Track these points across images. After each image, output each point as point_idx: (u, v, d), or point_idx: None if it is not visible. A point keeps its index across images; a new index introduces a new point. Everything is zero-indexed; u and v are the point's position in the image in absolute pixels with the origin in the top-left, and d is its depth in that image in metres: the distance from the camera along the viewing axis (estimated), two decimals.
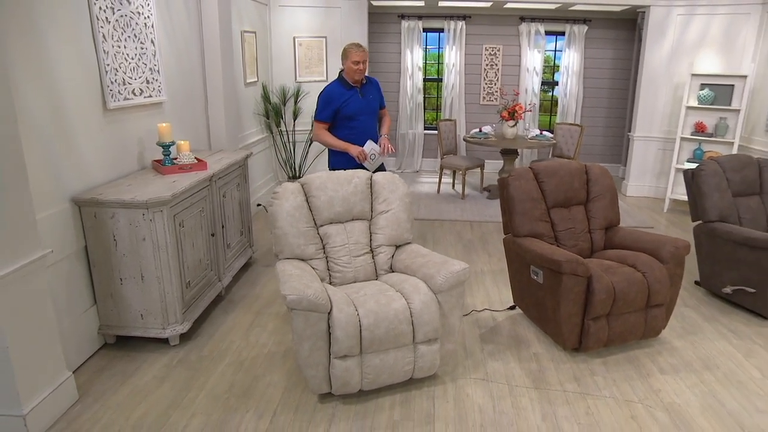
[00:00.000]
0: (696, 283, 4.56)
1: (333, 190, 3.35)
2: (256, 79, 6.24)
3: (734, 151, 6.44)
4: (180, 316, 3.39)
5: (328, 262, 3.32)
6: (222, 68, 4.81)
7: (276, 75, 6.89)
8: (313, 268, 3.21)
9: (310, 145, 6.90)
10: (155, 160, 3.87)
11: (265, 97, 6.50)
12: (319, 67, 7.00)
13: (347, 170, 3.47)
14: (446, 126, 7.40)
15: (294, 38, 6.84)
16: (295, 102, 6.81)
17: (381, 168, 4.26)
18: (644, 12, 7.23)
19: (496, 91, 8.52)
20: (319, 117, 4.10)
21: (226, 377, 3.14)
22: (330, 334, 2.76)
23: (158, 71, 3.95)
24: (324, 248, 3.33)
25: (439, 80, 8.77)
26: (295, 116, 6.78)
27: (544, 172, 3.69)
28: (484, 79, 8.53)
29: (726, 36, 6.83)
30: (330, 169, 4.17)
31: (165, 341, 3.44)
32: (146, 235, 3.17)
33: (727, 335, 3.74)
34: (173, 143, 3.80)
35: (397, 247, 3.42)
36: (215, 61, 4.77)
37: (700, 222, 4.36)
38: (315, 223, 3.33)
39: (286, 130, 6.83)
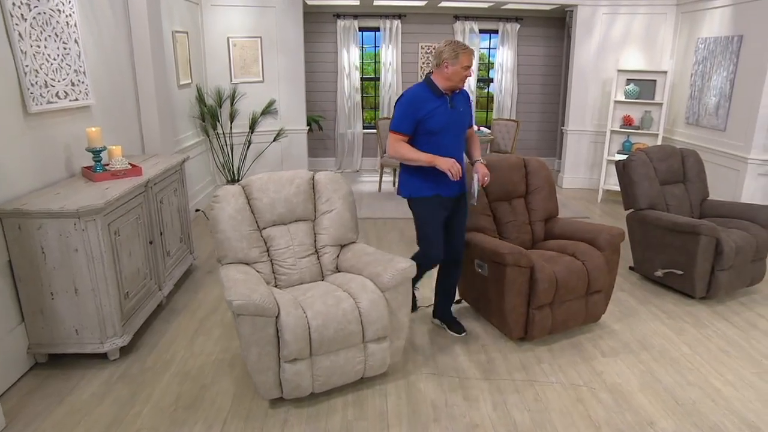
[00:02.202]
0: (630, 268, 4.78)
1: (275, 192, 3.29)
2: (189, 81, 6.05)
3: (659, 142, 6.80)
4: (119, 329, 3.23)
5: (272, 264, 3.26)
6: (153, 70, 4.63)
7: (211, 77, 6.71)
8: (258, 272, 3.14)
9: (248, 147, 6.76)
10: (85, 167, 3.68)
11: (200, 100, 6.31)
12: (255, 67, 6.86)
13: (289, 171, 3.41)
14: (385, 125, 7.42)
15: (228, 38, 6.67)
16: (232, 104, 6.65)
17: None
18: (572, 11, 7.51)
19: None
20: (398, 127, 3.24)
21: (171, 389, 3.02)
22: (278, 338, 2.71)
23: (84, 73, 3.75)
24: (268, 251, 3.26)
25: (377, 79, 8.79)
26: (232, 118, 6.62)
27: None
28: (421, 77, 8.59)
29: (647, 34, 7.20)
30: (405, 196, 3.41)
31: (104, 356, 3.27)
32: (79, 245, 3.01)
33: (660, 316, 3.93)
34: (104, 148, 3.63)
35: (342, 246, 3.40)
36: (146, 63, 4.58)
37: (632, 210, 4.56)
38: (258, 226, 3.26)
39: (223, 133, 6.66)
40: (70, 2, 3.60)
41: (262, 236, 3.26)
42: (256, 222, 3.26)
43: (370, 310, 2.85)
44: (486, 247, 3.31)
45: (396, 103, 3.31)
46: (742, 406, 2.90)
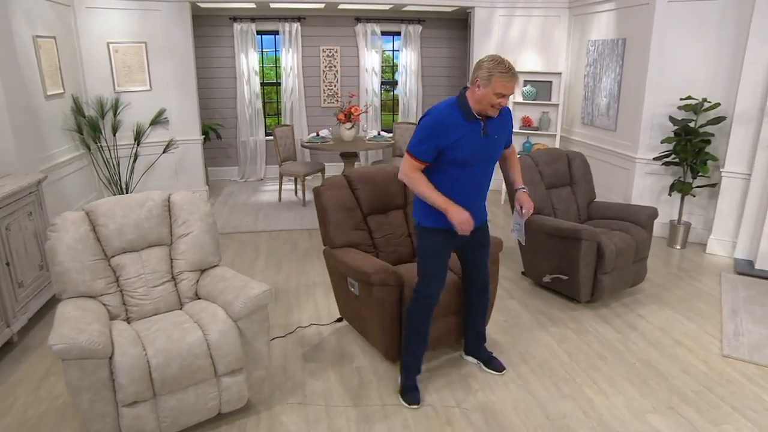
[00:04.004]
0: (522, 273, 4.76)
1: (123, 216, 3.00)
2: (61, 91, 5.57)
3: (557, 142, 6.90)
4: None
5: (123, 295, 2.97)
6: (3, 80, 4.18)
7: (90, 86, 6.21)
8: (105, 305, 2.86)
9: (135, 160, 6.33)
10: None
11: (78, 111, 5.83)
12: (141, 75, 6.43)
13: (141, 193, 3.12)
14: (282, 132, 7.17)
15: (108, 44, 6.21)
16: (115, 115, 6.20)
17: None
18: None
19: (337, 93, 8.45)
20: (414, 150, 2.70)
21: None
22: (114, 380, 2.44)
23: None
24: (117, 281, 2.97)
25: (278, 84, 8.50)
26: (115, 130, 6.17)
27: (358, 179, 3.60)
28: (324, 81, 8.41)
29: (542, 36, 7.29)
30: (416, 222, 2.95)
31: None
32: None
33: (545, 323, 3.90)
34: None
35: (203, 271, 3.15)
36: None
37: None
38: (105, 255, 2.96)
39: (107, 146, 6.20)
40: None
41: (110, 265, 2.97)
42: (103, 250, 2.96)
43: (220, 342, 2.63)
44: (353, 266, 3.14)
45: (420, 122, 2.73)
46: (610, 415, 2.88)
